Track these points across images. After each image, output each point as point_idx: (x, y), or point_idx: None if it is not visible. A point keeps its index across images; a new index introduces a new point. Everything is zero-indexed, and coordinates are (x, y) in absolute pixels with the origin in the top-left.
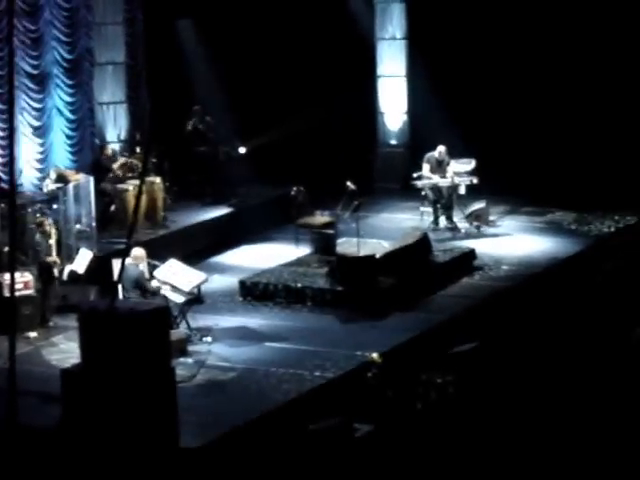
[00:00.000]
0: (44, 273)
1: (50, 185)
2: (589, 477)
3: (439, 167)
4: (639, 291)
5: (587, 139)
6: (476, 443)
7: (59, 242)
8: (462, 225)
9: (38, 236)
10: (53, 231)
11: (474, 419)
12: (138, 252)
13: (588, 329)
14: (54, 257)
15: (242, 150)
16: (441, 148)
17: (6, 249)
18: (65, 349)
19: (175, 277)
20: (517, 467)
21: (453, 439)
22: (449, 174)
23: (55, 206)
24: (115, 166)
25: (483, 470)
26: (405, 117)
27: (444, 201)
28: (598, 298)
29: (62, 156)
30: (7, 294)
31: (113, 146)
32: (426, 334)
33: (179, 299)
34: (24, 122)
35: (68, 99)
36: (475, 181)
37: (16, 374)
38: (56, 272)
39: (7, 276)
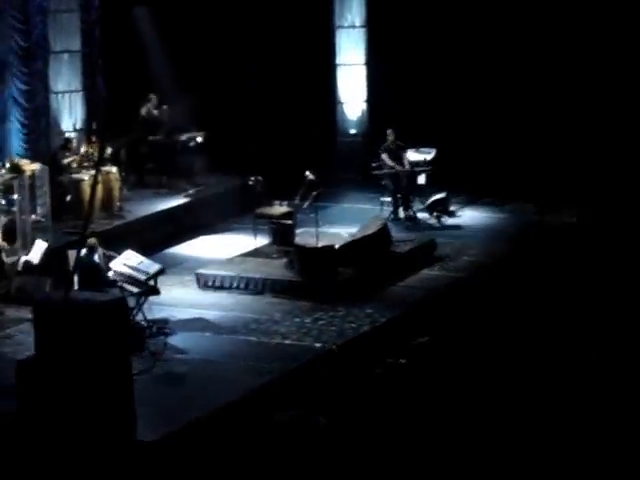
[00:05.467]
0: None
1: (5, 175)
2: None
3: (395, 154)
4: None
5: (548, 130)
6: (435, 434)
7: (13, 232)
8: (422, 215)
9: None
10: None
11: (432, 411)
12: (90, 241)
13: (549, 320)
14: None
15: (199, 139)
16: (390, 133)
17: None
18: (20, 341)
19: (131, 268)
20: (473, 455)
21: (412, 430)
22: (406, 163)
23: (10, 196)
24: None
25: (441, 458)
26: (364, 106)
27: (404, 191)
28: (558, 289)
29: (17, 145)
30: None
31: (69, 135)
32: (385, 325)
33: (135, 290)
34: None
35: (24, 87)
36: (435, 170)
37: None
38: (4, 257)
39: None
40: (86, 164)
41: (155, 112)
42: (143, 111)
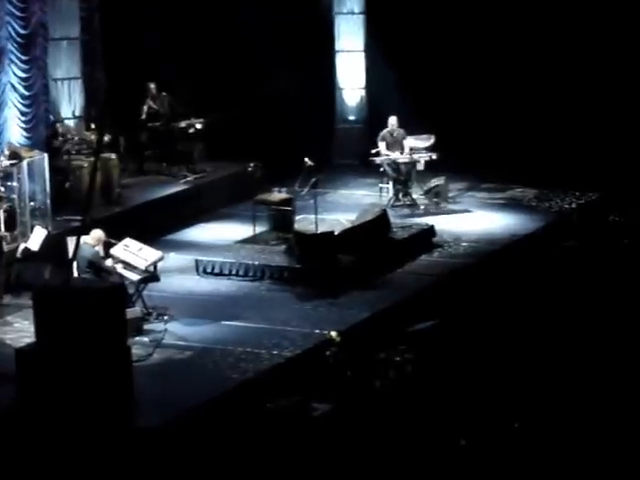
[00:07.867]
0: None
1: (4, 162)
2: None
3: (395, 142)
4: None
5: (547, 115)
6: (434, 421)
7: (13, 219)
8: (421, 202)
9: None
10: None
11: (432, 397)
12: (97, 234)
13: (546, 305)
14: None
15: (198, 126)
16: (392, 120)
17: None
18: (19, 328)
19: (131, 255)
20: (476, 444)
21: (411, 418)
22: (406, 150)
23: (9, 183)
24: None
25: (442, 448)
26: (363, 93)
27: (403, 177)
28: (554, 275)
29: (16, 132)
30: None
31: (67, 122)
32: (385, 312)
33: (135, 277)
34: None
35: (22, 75)
36: (434, 157)
37: None
38: (4, 246)
39: None
40: (85, 151)
41: (154, 106)
42: (144, 113)
